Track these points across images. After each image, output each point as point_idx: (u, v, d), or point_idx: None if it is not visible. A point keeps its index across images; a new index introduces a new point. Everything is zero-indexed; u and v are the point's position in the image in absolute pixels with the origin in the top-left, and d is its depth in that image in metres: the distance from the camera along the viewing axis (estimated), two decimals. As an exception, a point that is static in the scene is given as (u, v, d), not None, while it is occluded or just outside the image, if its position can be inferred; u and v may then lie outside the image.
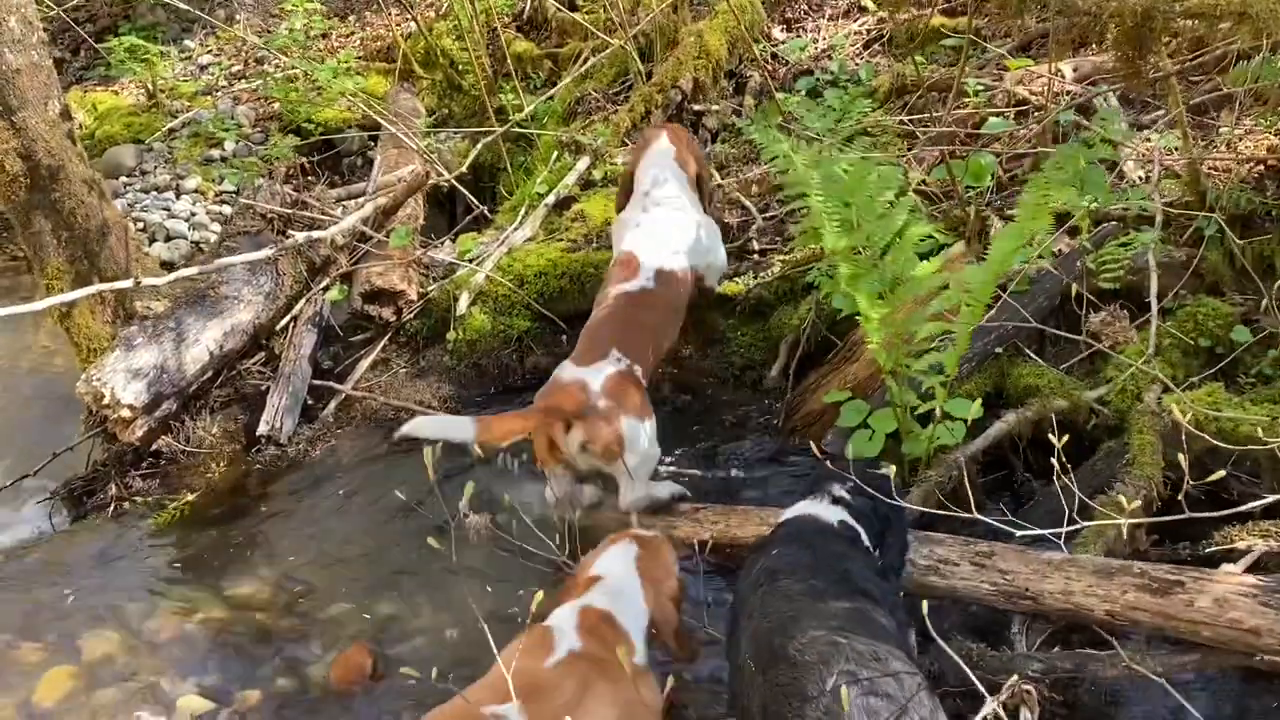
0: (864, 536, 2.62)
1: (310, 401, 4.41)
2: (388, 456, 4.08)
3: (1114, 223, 3.78)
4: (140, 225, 5.87)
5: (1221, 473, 1.99)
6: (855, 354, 3.78)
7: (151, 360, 4.06)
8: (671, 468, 3.77)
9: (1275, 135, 3.98)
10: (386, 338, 4.63)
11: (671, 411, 4.06)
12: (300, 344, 4.51)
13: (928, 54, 5.34)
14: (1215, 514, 2.15)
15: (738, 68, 5.78)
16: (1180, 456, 2.06)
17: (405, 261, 4.66)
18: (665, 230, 3.79)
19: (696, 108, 5.54)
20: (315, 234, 4.33)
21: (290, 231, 4.67)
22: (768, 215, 4.65)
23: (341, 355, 4.67)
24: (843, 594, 2.32)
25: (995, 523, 2.31)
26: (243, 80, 7.41)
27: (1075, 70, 4.70)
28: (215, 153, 6.55)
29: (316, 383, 4.46)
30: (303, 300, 4.72)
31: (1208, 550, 2.92)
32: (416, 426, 3.00)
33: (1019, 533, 2.15)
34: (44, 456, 4.18)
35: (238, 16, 8.06)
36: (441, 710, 2.34)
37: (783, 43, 5.89)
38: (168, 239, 5.85)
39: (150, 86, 7.05)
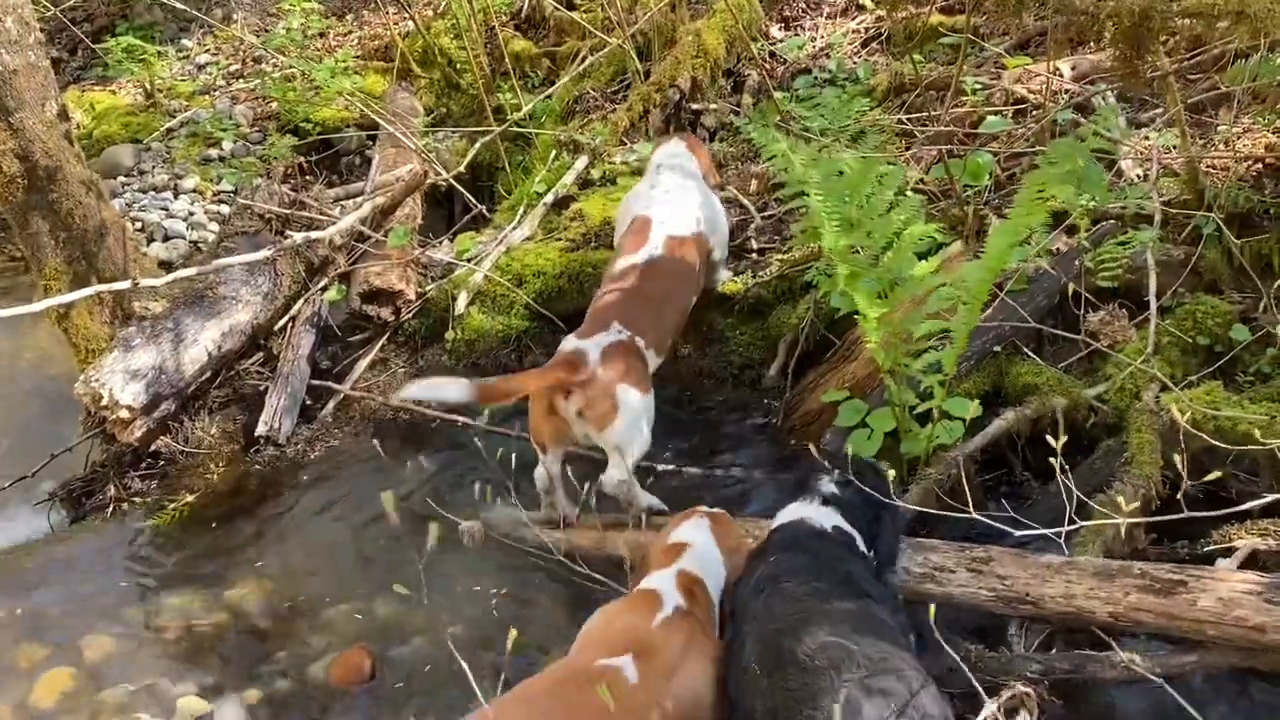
0: (859, 540, 2.61)
1: (309, 401, 4.41)
2: (386, 456, 4.07)
3: (1112, 221, 3.78)
4: (138, 225, 5.86)
5: (1219, 473, 2.00)
6: (854, 353, 3.78)
7: (150, 361, 4.06)
8: (670, 466, 3.77)
9: (1273, 133, 3.98)
10: (385, 337, 4.64)
11: (671, 408, 4.06)
12: (298, 344, 4.51)
13: (926, 52, 5.33)
14: (1212, 514, 2.15)
15: (736, 66, 5.78)
16: (1177, 455, 2.06)
17: (403, 261, 4.66)
18: (675, 197, 3.88)
19: (695, 107, 5.54)
20: (313, 234, 4.33)
21: (288, 231, 4.67)
22: (766, 214, 4.65)
23: (340, 355, 4.67)
24: (847, 596, 2.32)
25: (994, 522, 2.31)
26: (240, 80, 7.40)
27: (1074, 68, 4.70)
28: (213, 152, 6.54)
29: (315, 383, 4.46)
30: (301, 300, 4.72)
31: (1206, 549, 2.91)
32: (418, 389, 3.04)
33: (1018, 532, 2.15)
34: (43, 457, 4.18)
35: (235, 16, 8.04)
36: (559, 664, 2.44)
37: (781, 41, 5.88)
38: (166, 239, 5.84)
39: (148, 86, 7.04)
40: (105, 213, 4.48)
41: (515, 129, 5.37)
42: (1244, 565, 2.80)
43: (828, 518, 2.62)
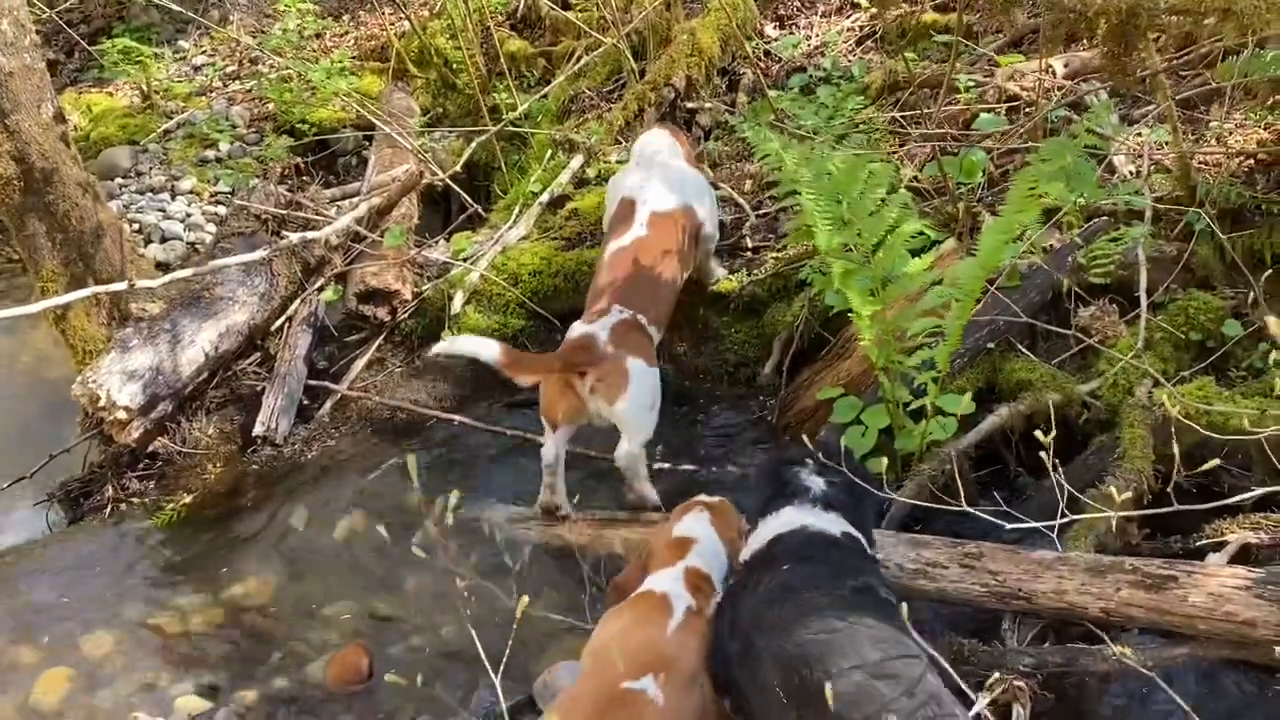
0: (865, 543, 2.53)
1: (306, 402, 4.41)
2: (384, 456, 4.10)
3: (1105, 218, 3.79)
4: (136, 226, 5.87)
5: (1214, 463, 2.01)
6: (848, 350, 3.79)
7: (147, 362, 4.06)
8: (665, 464, 3.79)
9: (1265, 130, 3.99)
10: (381, 337, 4.64)
11: (667, 405, 4.07)
12: (295, 344, 4.51)
13: (920, 50, 5.34)
14: (1202, 506, 2.17)
15: (731, 65, 5.78)
16: (1171, 447, 2.07)
17: (400, 261, 4.67)
18: (658, 175, 3.95)
19: (689, 105, 5.54)
20: (310, 234, 4.33)
21: (284, 232, 4.67)
22: (761, 213, 4.67)
23: (337, 355, 4.67)
24: (869, 611, 2.22)
25: (987, 515, 2.32)
26: (237, 81, 7.40)
27: (1066, 66, 4.70)
28: (210, 153, 6.55)
29: (312, 383, 4.47)
30: (298, 301, 4.72)
31: (1198, 544, 2.93)
32: (449, 344, 3.12)
33: (1009, 525, 2.17)
34: (41, 458, 4.19)
35: (232, 17, 8.05)
36: (580, 689, 2.42)
37: (775, 40, 5.89)
38: (163, 240, 5.85)
39: (145, 88, 7.05)
40: (102, 214, 4.49)
41: (511, 129, 5.38)
42: (1236, 559, 2.83)
43: (834, 524, 2.50)
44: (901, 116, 4.83)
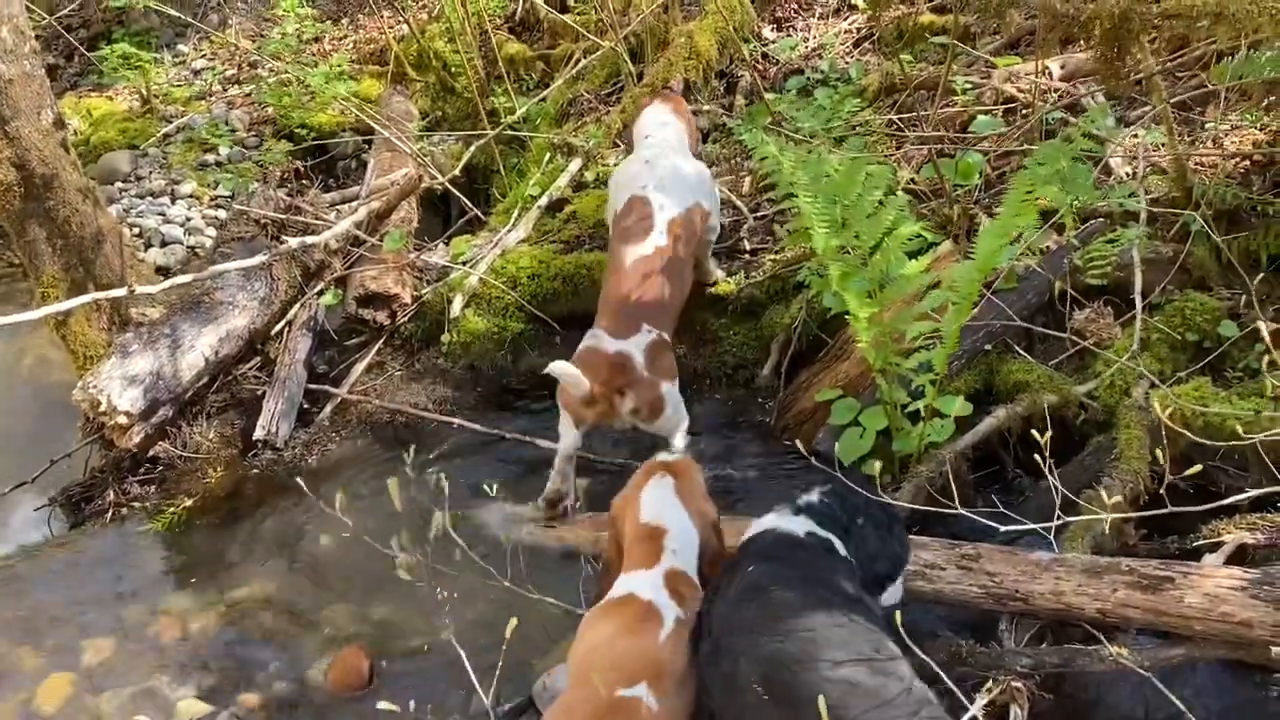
0: (838, 544, 2.55)
1: (306, 406, 4.42)
2: (383, 460, 4.11)
3: (1101, 219, 3.80)
4: (136, 231, 5.88)
5: (1197, 468, 2.02)
6: (846, 352, 3.81)
7: (147, 367, 4.08)
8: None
9: (1260, 131, 4.00)
10: (381, 341, 4.65)
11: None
12: (295, 348, 4.53)
13: (917, 52, 5.35)
14: (1196, 509, 2.17)
15: (728, 68, 5.80)
16: (1159, 451, 2.09)
17: (399, 265, 4.68)
18: (669, 169, 3.96)
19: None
20: (309, 239, 4.35)
21: (284, 236, 4.69)
22: (758, 215, 4.68)
23: (337, 359, 4.68)
24: (840, 607, 2.26)
25: (985, 520, 2.33)
26: (236, 85, 7.42)
27: (1063, 67, 4.72)
28: (210, 158, 6.56)
29: (312, 387, 4.48)
30: (297, 305, 4.73)
31: (1195, 544, 2.94)
32: (559, 368, 3.25)
33: (1003, 528, 2.18)
34: (42, 464, 4.21)
35: (231, 21, 8.07)
36: (572, 698, 2.43)
37: (773, 42, 5.91)
38: (163, 244, 5.86)
39: (144, 92, 7.07)
40: (102, 219, 4.50)
41: (510, 132, 5.39)
42: (1234, 559, 2.84)
43: (800, 525, 2.57)
44: (899, 119, 4.84)
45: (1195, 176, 3.78)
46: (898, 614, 2.06)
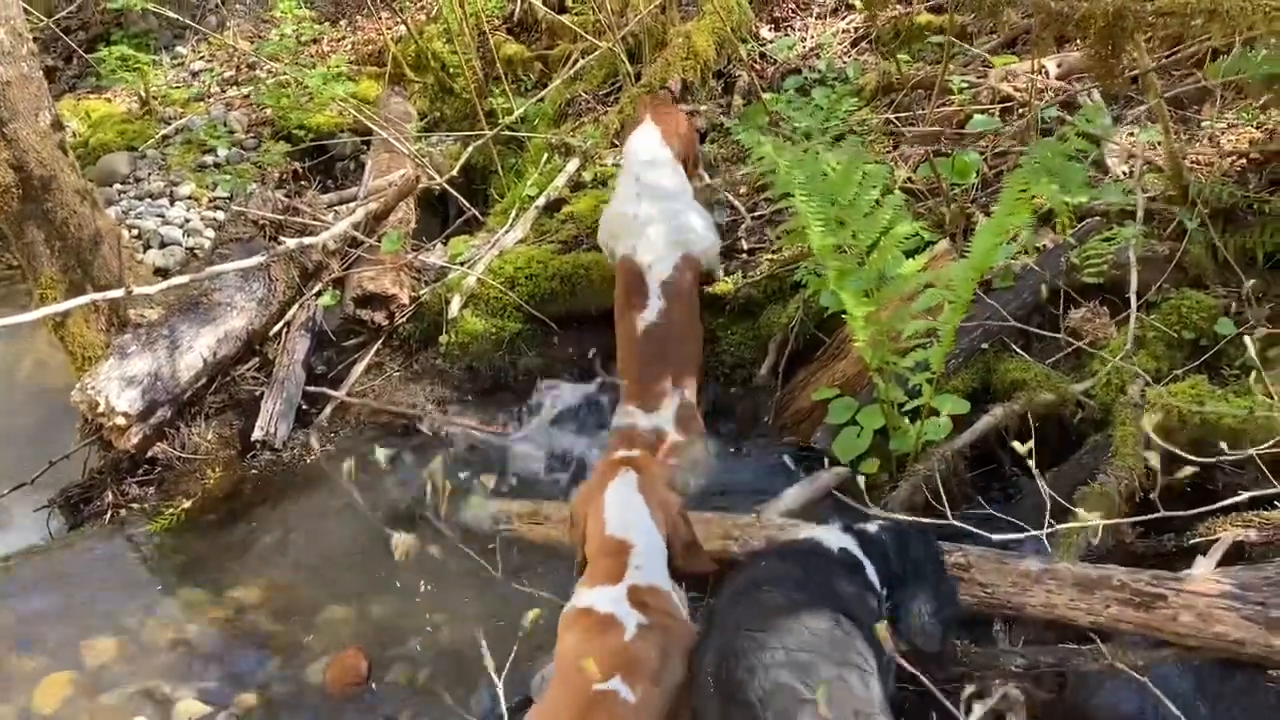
0: (870, 572, 2.49)
1: (304, 406, 4.43)
2: (382, 460, 4.10)
3: (1097, 218, 3.81)
4: (134, 232, 5.90)
5: (1189, 470, 2.02)
6: (843, 351, 3.81)
7: (146, 368, 4.08)
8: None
9: (1257, 129, 4.00)
10: (379, 342, 4.66)
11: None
12: (294, 349, 4.53)
13: (914, 51, 5.36)
14: (1190, 513, 2.18)
15: (726, 68, 5.80)
16: (1151, 453, 2.09)
17: (397, 266, 4.69)
18: (656, 218, 3.98)
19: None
20: (307, 240, 4.35)
21: (282, 237, 4.69)
22: (756, 215, 4.68)
23: (335, 360, 4.68)
24: (824, 617, 2.24)
25: (976, 522, 2.34)
26: (235, 86, 7.43)
27: (1059, 66, 4.72)
28: (208, 159, 6.57)
29: (310, 388, 4.49)
30: (296, 306, 4.74)
31: (1191, 542, 2.94)
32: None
33: (995, 536, 2.18)
34: (41, 465, 4.22)
35: (229, 23, 8.08)
36: (553, 698, 2.48)
37: (771, 42, 5.91)
38: (162, 245, 5.87)
39: (143, 94, 7.08)
40: (100, 221, 4.51)
41: (508, 132, 5.40)
42: (1230, 557, 2.83)
43: (838, 540, 2.54)
44: (896, 118, 4.85)
45: (1191, 174, 3.78)
46: (881, 625, 2.06)
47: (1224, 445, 2.23)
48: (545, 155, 5.30)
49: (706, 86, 5.66)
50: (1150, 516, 2.15)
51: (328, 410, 4.40)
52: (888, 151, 4.59)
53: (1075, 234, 3.73)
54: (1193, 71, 4.27)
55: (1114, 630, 2.62)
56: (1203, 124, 4.17)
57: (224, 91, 7.40)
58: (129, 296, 3.72)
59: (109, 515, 4.08)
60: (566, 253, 4.62)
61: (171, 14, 6.34)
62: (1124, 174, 4.04)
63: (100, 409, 3.93)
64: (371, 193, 5.17)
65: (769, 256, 4.40)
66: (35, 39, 4.40)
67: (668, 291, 3.87)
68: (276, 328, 4.69)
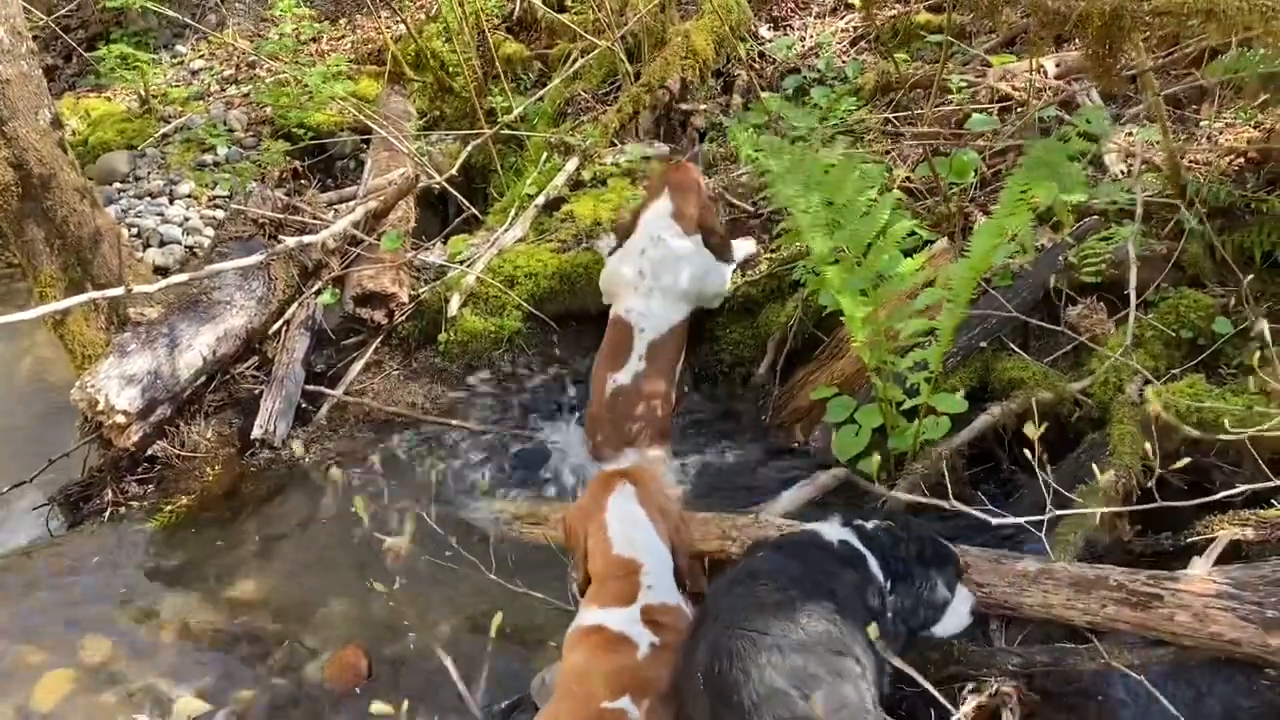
0: (872, 564, 2.48)
1: (304, 405, 4.44)
2: (381, 458, 4.12)
3: (1096, 217, 3.81)
4: (134, 231, 5.90)
5: (1185, 461, 2.03)
6: (842, 350, 3.82)
7: (145, 366, 4.08)
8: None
9: (1254, 128, 4.01)
10: (379, 340, 4.66)
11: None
12: (293, 348, 4.54)
13: (912, 50, 5.37)
14: (1183, 503, 2.18)
15: (725, 67, 5.81)
16: (1149, 445, 2.09)
17: (396, 264, 4.69)
18: (658, 290, 3.97)
19: (684, 107, 5.58)
20: (306, 238, 4.36)
21: (282, 236, 4.70)
22: (755, 214, 4.68)
23: (334, 358, 4.69)
24: (821, 616, 2.24)
25: (976, 511, 2.34)
26: (234, 85, 7.44)
27: (1058, 65, 4.73)
28: (208, 158, 6.58)
29: (309, 387, 4.49)
30: (295, 304, 4.74)
31: (1189, 539, 2.95)
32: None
33: (994, 520, 2.18)
34: (40, 463, 4.22)
35: (229, 22, 8.08)
36: (556, 710, 2.44)
37: (770, 41, 5.92)
38: (162, 244, 5.88)
39: (142, 93, 7.08)
40: (100, 219, 4.52)
41: (507, 131, 5.41)
42: (1228, 553, 2.84)
43: (838, 534, 2.53)
44: (894, 117, 4.86)
45: (1189, 174, 3.78)
46: (873, 627, 2.06)
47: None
48: (544, 154, 5.30)
49: (705, 85, 5.67)
50: (1148, 506, 2.15)
51: (326, 408, 4.41)
52: (886, 151, 4.59)
53: (1074, 233, 3.74)
54: (1190, 71, 4.27)
55: (1111, 630, 2.62)
56: (1200, 123, 4.18)
57: (223, 90, 7.41)
58: (128, 295, 3.73)
59: (108, 513, 4.08)
60: (566, 251, 4.62)
61: (171, 13, 6.35)
62: (1122, 173, 4.05)
63: (100, 407, 3.93)
64: (371, 191, 5.18)
65: (767, 255, 4.40)
66: (35, 37, 4.41)
67: (652, 353, 3.87)
68: (276, 326, 4.69)
